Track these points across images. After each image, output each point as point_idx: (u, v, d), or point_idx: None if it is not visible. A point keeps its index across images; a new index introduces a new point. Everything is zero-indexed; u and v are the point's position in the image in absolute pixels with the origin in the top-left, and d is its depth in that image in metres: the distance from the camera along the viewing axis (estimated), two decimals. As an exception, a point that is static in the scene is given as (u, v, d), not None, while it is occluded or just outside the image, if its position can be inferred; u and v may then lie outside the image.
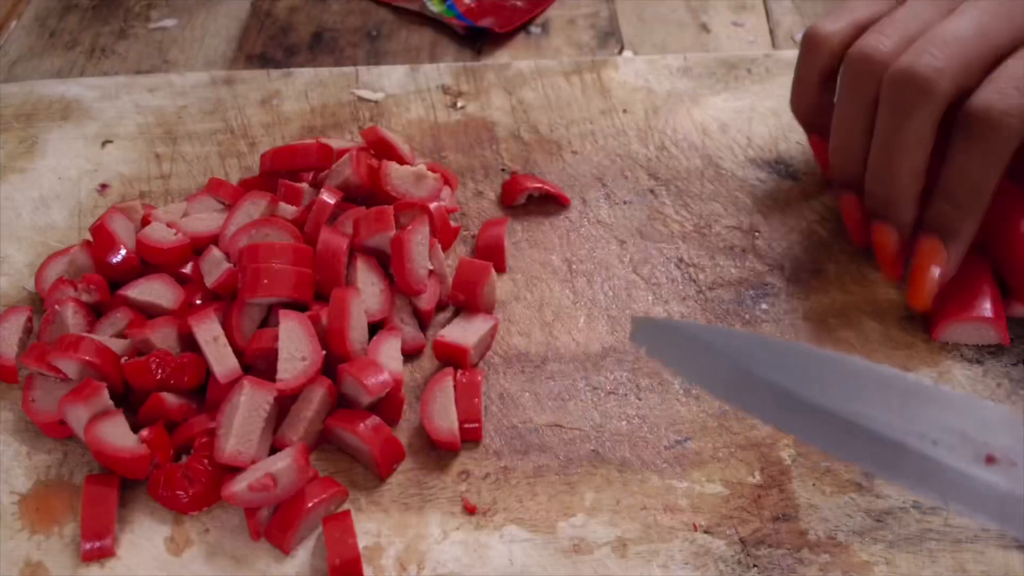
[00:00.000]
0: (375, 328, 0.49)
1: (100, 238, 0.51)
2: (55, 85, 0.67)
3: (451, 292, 0.51)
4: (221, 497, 0.43)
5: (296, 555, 0.43)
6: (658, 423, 0.47)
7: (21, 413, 0.48)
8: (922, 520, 0.43)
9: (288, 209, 0.52)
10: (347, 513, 0.44)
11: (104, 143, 0.62)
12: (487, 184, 0.59)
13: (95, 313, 0.50)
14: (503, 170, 0.60)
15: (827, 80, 0.52)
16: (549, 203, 0.58)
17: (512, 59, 0.69)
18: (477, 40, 0.71)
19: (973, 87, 0.46)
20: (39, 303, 0.52)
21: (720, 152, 0.60)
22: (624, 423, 0.47)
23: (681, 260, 0.54)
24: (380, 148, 0.57)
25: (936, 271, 0.48)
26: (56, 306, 0.49)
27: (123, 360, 0.46)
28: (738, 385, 0.35)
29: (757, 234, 0.56)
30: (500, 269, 0.54)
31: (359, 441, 0.45)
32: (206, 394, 0.47)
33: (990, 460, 0.31)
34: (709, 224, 0.56)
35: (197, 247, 0.52)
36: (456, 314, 0.51)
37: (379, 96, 0.65)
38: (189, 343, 0.47)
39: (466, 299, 0.50)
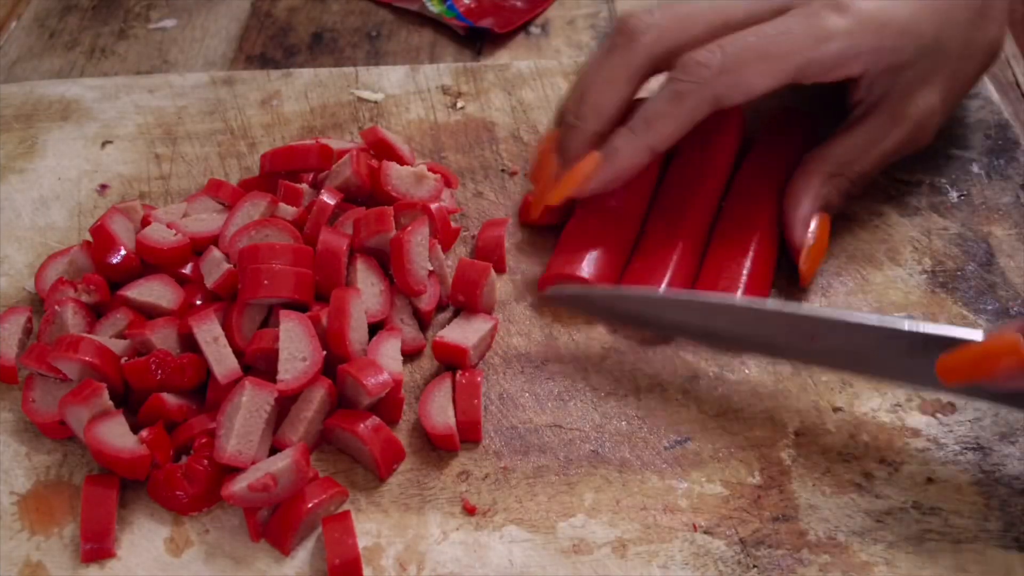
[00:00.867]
0: (375, 328, 0.49)
1: (100, 239, 0.51)
2: (55, 85, 0.67)
3: (451, 292, 0.51)
4: (221, 497, 0.43)
5: (296, 555, 0.43)
6: (658, 423, 0.47)
7: (21, 413, 0.48)
8: (922, 520, 0.43)
9: (288, 210, 0.52)
10: (347, 513, 0.44)
11: (104, 143, 0.62)
12: (487, 184, 0.59)
13: (95, 314, 0.50)
14: (503, 170, 0.60)
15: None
16: (549, 203, 0.58)
17: (512, 59, 0.69)
18: (477, 40, 0.71)
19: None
20: (39, 303, 0.52)
21: (720, 152, 0.60)
22: (624, 423, 0.47)
23: (681, 260, 0.54)
24: (380, 149, 0.57)
25: (586, 167, 0.51)
26: (56, 306, 0.49)
27: (123, 360, 0.46)
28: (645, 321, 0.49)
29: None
30: (500, 270, 0.54)
31: (359, 441, 0.45)
32: (206, 394, 0.47)
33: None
34: (709, 224, 0.56)
35: (197, 248, 0.52)
36: (456, 314, 0.51)
37: (379, 96, 0.65)
38: (189, 343, 0.47)
39: (466, 300, 0.50)
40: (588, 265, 0.51)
